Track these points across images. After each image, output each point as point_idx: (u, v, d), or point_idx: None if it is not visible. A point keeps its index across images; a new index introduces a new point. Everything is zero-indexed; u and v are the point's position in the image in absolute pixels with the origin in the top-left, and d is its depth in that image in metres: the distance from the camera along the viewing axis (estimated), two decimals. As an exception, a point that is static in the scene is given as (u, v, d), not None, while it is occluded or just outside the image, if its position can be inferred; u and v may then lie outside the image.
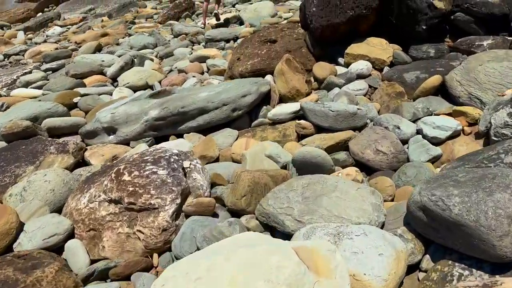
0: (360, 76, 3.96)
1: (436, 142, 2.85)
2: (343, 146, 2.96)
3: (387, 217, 2.17)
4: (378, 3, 4.04)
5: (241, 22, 7.93)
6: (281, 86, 3.73)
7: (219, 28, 7.26)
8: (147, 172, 2.37)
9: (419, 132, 2.96)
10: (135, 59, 5.55)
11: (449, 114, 3.09)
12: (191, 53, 6.37)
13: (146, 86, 4.81)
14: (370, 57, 4.06)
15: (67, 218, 2.39)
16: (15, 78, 5.28)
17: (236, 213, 2.39)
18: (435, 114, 3.18)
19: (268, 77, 3.99)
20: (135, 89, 4.76)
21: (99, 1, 15.76)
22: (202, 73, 5.02)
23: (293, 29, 4.59)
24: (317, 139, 3.07)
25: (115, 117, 3.46)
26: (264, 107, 3.60)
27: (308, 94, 3.77)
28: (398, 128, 2.99)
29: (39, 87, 5.09)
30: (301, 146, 3.01)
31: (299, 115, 3.36)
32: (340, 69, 4.13)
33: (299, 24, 4.78)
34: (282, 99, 3.75)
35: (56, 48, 7.40)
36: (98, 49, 6.90)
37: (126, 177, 2.36)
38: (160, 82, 4.81)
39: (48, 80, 5.33)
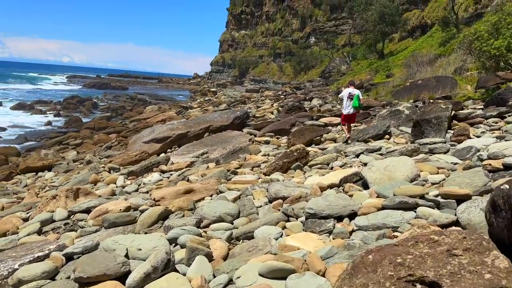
0: None
1: None
2: None
3: None
4: None
5: (364, 184, 5.55)
6: None
7: (327, 195, 4.93)
8: None
9: None
10: (182, 251, 3.49)
11: None
12: (280, 235, 4.14)
13: (165, 329, 2.55)
14: None
15: None
16: (16, 268, 3.65)
17: None
18: None
19: None
20: (147, 329, 2.54)
21: (218, 143, 15.53)
22: (274, 310, 2.59)
23: (479, 254, 1.94)
24: None
25: None
26: None
27: None
28: None
29: (32, 291, 3.28)
30: None
31: None
32: None
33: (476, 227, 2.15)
34: None
35: (128, 208, 5.96)
36: (164, 217, 5.17)
37: None
38: (189, 324, 2.52)
39: (54, 280, 3.52)
